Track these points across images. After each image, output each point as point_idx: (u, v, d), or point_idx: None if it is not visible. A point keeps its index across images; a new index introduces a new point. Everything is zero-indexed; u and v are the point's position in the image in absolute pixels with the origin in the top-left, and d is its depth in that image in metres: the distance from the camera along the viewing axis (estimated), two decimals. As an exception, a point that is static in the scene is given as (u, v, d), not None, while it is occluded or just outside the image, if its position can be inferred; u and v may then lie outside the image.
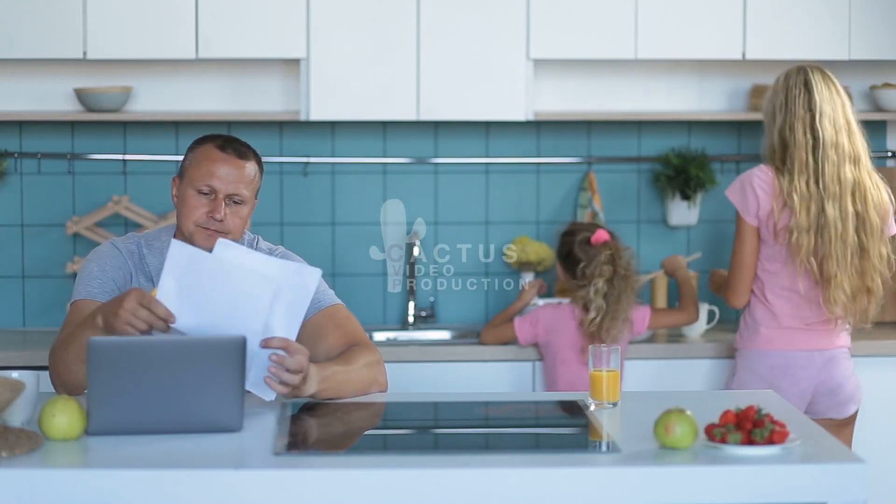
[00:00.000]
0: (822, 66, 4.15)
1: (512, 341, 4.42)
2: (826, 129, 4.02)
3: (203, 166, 3.24)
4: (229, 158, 3.24)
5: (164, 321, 2.90)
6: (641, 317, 4.38)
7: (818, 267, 4.01)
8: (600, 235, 4.33)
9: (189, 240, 3.24)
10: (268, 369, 2.95)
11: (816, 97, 4.03)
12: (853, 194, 4.03)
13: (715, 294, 4.48)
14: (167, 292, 2.91)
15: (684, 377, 4.44)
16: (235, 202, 3.25)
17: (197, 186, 3.23)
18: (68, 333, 3.16)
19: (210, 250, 3.11)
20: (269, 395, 3.00)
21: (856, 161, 4.06)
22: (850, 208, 4.02)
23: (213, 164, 3.23)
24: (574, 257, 4.35)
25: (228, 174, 3.23)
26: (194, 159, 3.27)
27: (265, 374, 2.96)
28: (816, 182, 4.00)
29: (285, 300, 2.97)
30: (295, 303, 2.99)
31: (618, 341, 4.26)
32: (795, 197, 3.99)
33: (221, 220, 3.22)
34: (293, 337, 2.99)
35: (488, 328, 4.48)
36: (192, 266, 2.92)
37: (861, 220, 4.04)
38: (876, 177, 4.11)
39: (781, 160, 4.04)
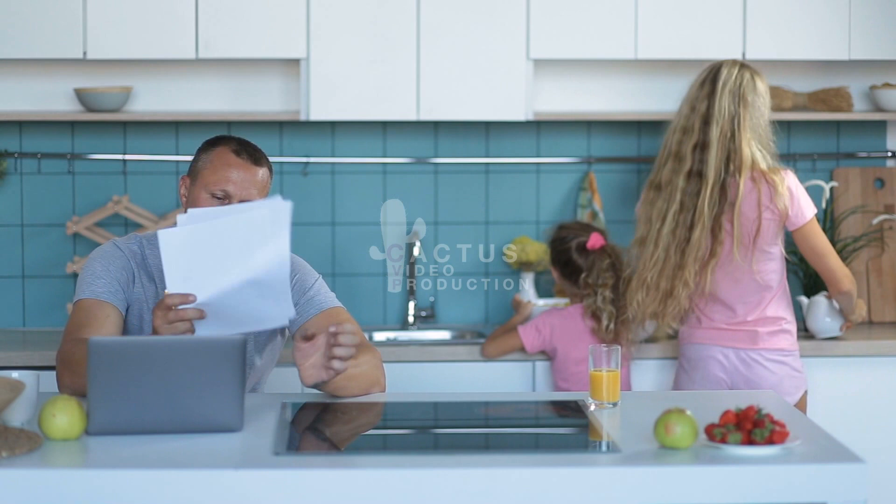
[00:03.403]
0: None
1: (517, 350, 4.41)
2: None
3: (219, 171, 3.26)
4: (244, 164, 3.27)
5: (185, 302, 2.96)
6: None
7: None
8: (595, 241, 4.32)
9: None
10: (334, 351, 3.00)
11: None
12: None
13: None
14: (174, 281, 2.95)
15: (685, 377, 4.44)
16: None
17: (211, 190, 3.26)
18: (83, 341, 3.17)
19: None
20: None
21: None
22: None
23: (229, 169, 3.26)
24: (574, 265, 4.35)
25: (243, 179, 3.26)
26: (210, 162, 3.29)
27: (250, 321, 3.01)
28: None
29: (264, 234, 2.99)
30: (274, 238, 3.00)
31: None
32: None
33: None
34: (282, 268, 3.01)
35: (490, 341, 4.44)
36: (186, 246, 2.96)
37: None
38: None
39: None
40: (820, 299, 4.44)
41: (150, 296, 3.35)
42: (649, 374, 4.43)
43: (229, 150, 3.29)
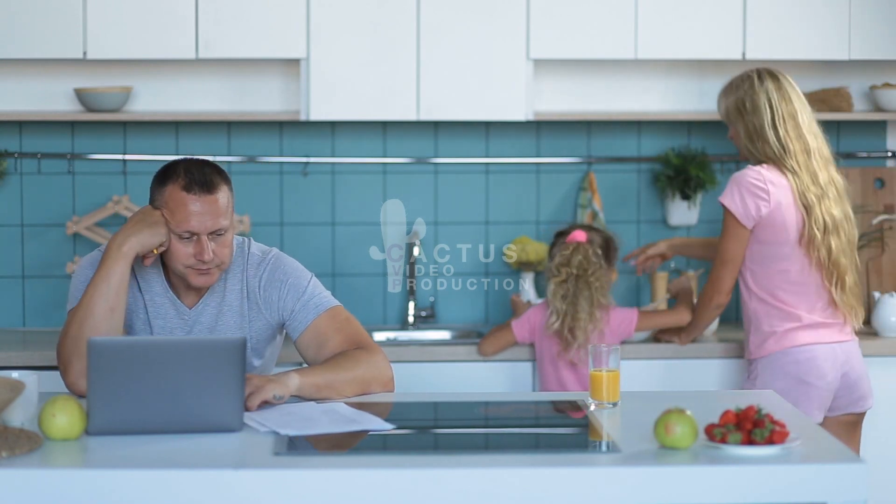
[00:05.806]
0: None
1: (511, 345, 4.40)
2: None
3: (177, 213, 3.18)
4: (198, 198, 3.18)
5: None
6: (626, 319, 4.32)
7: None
8: (575, 235, 4.30)
9: (183, 277, 3.26)
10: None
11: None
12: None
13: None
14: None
15: (692, 377, 4.42)
16: (219, 234, 3.22)
17: (177, 233, 3.20)
18: (80, 304, 3.22)
19: (206, 287, 3.26)
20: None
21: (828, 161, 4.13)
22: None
23: (185, 209, 3.18)
24: (551, 256, 4.36)
25: (204, 214, 3.18)
26: (166, 204, 3.21)
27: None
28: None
29: None
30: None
31: (586, 343, 4.20)
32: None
33: (210, 259, 3.22)
34: None
35: (485, 339, 4.41)
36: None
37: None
38: None
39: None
40: (888, 298, 4.49)
41: (138, 305, 3.32)
42: (644, 374, 4.43)
43: (179, 188, 3.19)
